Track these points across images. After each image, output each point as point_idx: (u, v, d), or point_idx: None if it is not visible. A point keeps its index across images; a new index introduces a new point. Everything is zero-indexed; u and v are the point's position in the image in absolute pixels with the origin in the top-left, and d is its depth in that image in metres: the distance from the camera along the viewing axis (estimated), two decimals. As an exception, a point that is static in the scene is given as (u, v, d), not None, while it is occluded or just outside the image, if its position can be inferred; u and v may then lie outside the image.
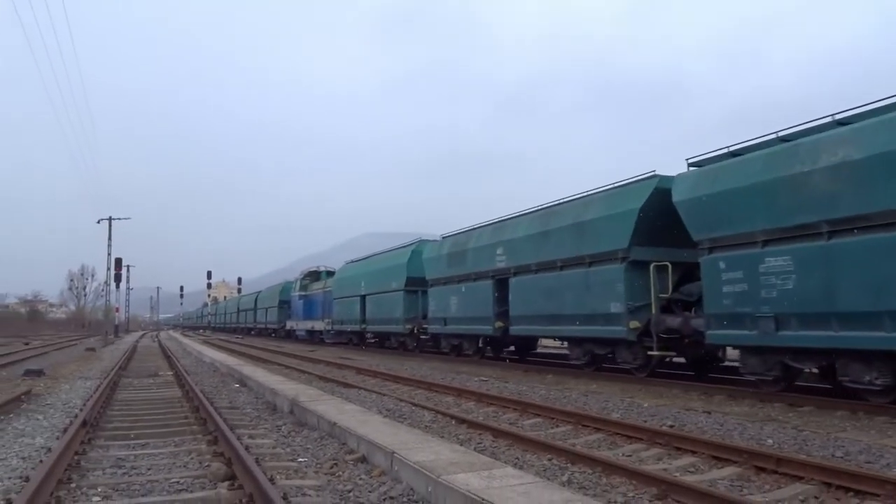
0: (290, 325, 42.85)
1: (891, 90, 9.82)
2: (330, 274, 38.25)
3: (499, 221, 19.67)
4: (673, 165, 13.30)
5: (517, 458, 6.85)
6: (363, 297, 29.02)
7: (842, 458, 6.63)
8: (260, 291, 58.70)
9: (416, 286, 24.36)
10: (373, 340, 31.09)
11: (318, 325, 36.16)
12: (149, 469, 6.47)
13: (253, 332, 58.02)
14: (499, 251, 18.60)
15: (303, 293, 40.12)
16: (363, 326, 29.33)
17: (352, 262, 33.33)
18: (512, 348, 21.41)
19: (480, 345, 21.02)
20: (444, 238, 23.38)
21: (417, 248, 25.11)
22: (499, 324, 18.70)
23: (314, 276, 40.68)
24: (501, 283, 18.58)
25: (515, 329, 18.02)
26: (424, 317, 23.86)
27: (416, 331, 24.63)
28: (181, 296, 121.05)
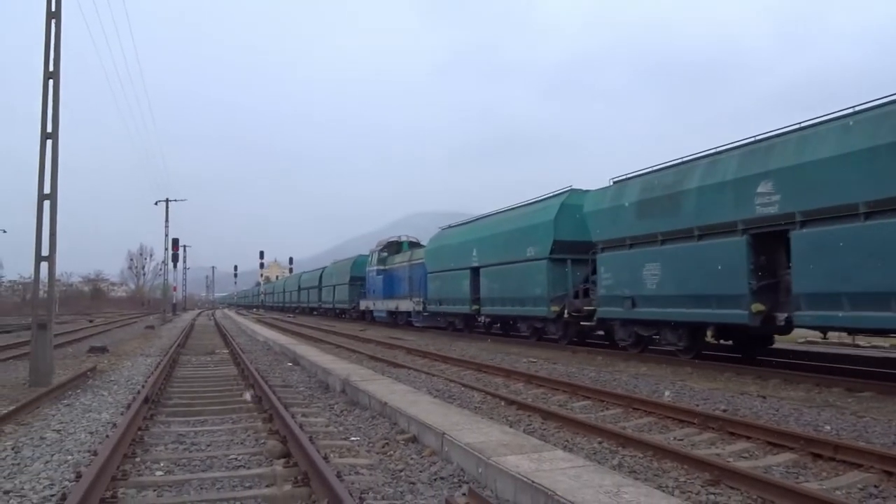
0: (364, 304, 36.80)
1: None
2: (414, 245, 33.14)
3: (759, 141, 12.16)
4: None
5: (567, 441, 6.86)
6: (475, 270, 22.82)
7: (904, 446, 6.43)
8: (325, 267, 52.15)
9: (566, 253, 17.99)
10: (485, 326, 25.58)
11: (405, 306, 30.11)
12: (208, 445, 6.70)
13: (316, 313, 53.51)
14: (763, 187, 11.41)
15: (381, 268, 33.77)
16: (474, 308, 23.04)
17: (451, 226, 27.46)
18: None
19: (712, 338, 14.39)
20: (616, 182, 16.02)
21: (570, 200, 18.12)
22: (758, 306, 11.66)
23: (394, 247, 34.36)
24: (763, 239, 11.75)
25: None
26: (576, 295, 17.71)
27: (565, 314, 17.94)
28: (235, 275, 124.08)
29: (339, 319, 42.69)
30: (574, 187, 18.55)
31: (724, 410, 8.33)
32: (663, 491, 4.75)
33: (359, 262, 39.91)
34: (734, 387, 10.66)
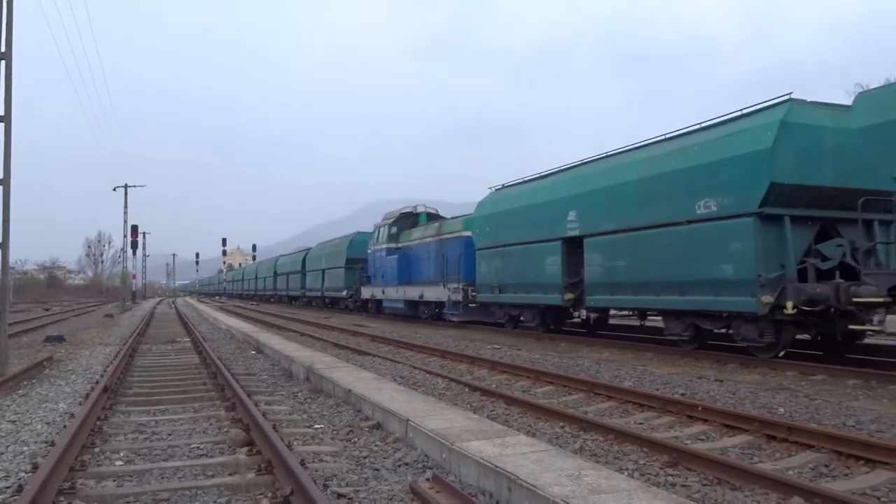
0: (368, 292, 29.83)
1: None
2: (434, 217, 27.19)
3: None
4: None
5: (530, 426, 6.95)
6: (572, 242, 15.89)
7: (853, 426, 6.66)
8: (309, 248, 45.65)
9: (785, 206, 11.18)
10: (588, 323, 17.77)
11: (434, 293, 23.27)
12: (169, 434, 6.63)
13: (299, 302, 46.97)
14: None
15: (392, 245, 27.33)
16: (569, 298, 16.04)
17: (509, 185, 20.20)
18: None
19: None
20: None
21: (795, 116, 11.20)
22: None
23: (408, 219, 27.70)
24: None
25: None
26: (802, 277, 11.01)
27: (788, 308, 10.63)
28: (197, 263, 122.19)
29: (332, 310, 37.06)
30: (794, 97, 11.51)
31: (683, 394, 8.52)
32: (623, 473, 4.85)
33: (357, 241, 33.08)
34: (692, 371, 10.90)
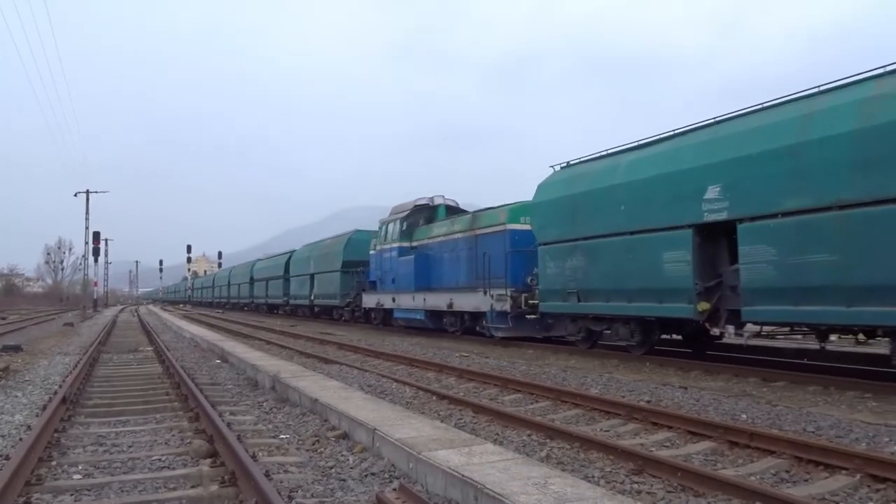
0: (373, 300, 25.18)
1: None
2: (454, 210, 22.98)
3: None
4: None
5: (497, 434, 6.95)
6: (709, 230, 11.44)
7: (813, 432, 6.80)
8: (293, 251, 40.26)
9: None
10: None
11: (471, 302, 18.58)
12: (130, 446, 6.48)
13: (282, 311, 41.86)
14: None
15: (406, 244, 22.93)
16: (703, 308, 11.41)
17: (581, 161, 15.45)
18: None
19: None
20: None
21: None
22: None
23: (424, 212, 23.40)
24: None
25: None
26: None
27: None
28: (160, 270, 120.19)
29: (324, 322, 32.34)
30: None
31: (649, 401, 8.61)
32: (589, 481, 4.88)
33: (356, 241, 28.87)
34: (657, 378, 11.03)
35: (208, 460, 5.81)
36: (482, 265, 18.09)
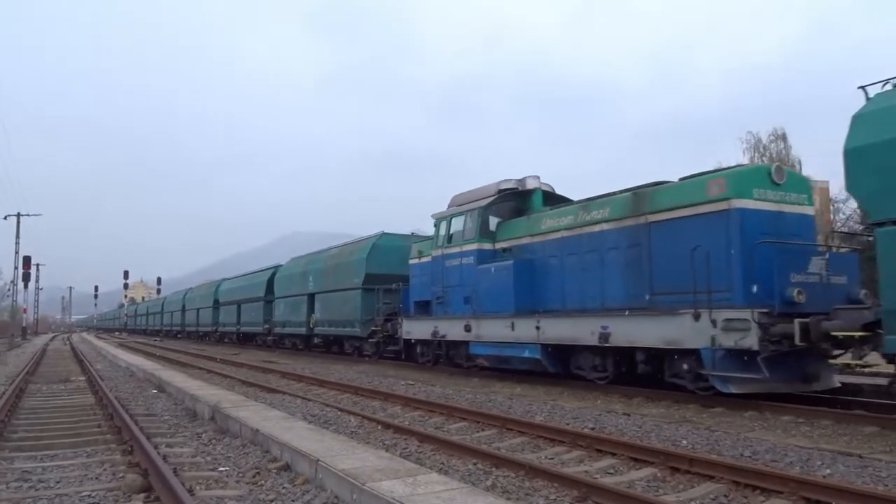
0: (427, 329, 17.89)
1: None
2: (551, 197, 16.42)
3: None
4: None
5: (442, 464, 6.89)
6: None
7: (750, 457, 6.96)
8: (278, 266, 32.57)
9: None
10: None
11: (658, 333, 11.42)
12: (58, 482, 6.18)
13: (269, 341, 31.93)
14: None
15: (488, 247, 16.17)
16: None
17: None
18: None
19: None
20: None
21: None
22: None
23: (512, 200, 16.47)
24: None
25: None
26: None
27: None
28: (95, 296, 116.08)
29: (329, 357, 24.83)
30: None
31: (593, 428, 8.69)
32: (534, 509, 4.87)
33: (381, 248, 22.29)
34: (602, 405, 11.15)
35: (142, 495, 5.60)
36: (687, 269, 10.93)
